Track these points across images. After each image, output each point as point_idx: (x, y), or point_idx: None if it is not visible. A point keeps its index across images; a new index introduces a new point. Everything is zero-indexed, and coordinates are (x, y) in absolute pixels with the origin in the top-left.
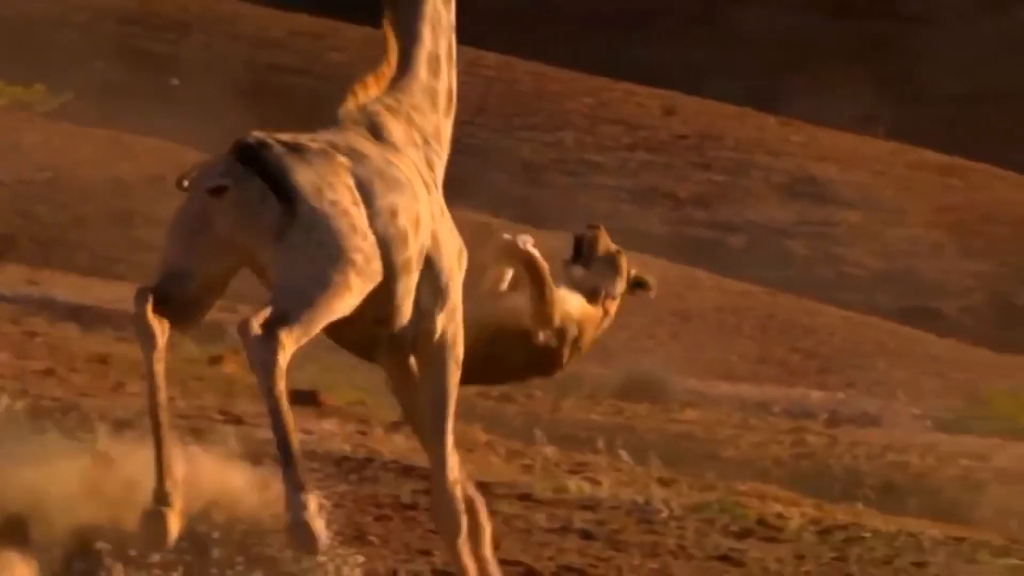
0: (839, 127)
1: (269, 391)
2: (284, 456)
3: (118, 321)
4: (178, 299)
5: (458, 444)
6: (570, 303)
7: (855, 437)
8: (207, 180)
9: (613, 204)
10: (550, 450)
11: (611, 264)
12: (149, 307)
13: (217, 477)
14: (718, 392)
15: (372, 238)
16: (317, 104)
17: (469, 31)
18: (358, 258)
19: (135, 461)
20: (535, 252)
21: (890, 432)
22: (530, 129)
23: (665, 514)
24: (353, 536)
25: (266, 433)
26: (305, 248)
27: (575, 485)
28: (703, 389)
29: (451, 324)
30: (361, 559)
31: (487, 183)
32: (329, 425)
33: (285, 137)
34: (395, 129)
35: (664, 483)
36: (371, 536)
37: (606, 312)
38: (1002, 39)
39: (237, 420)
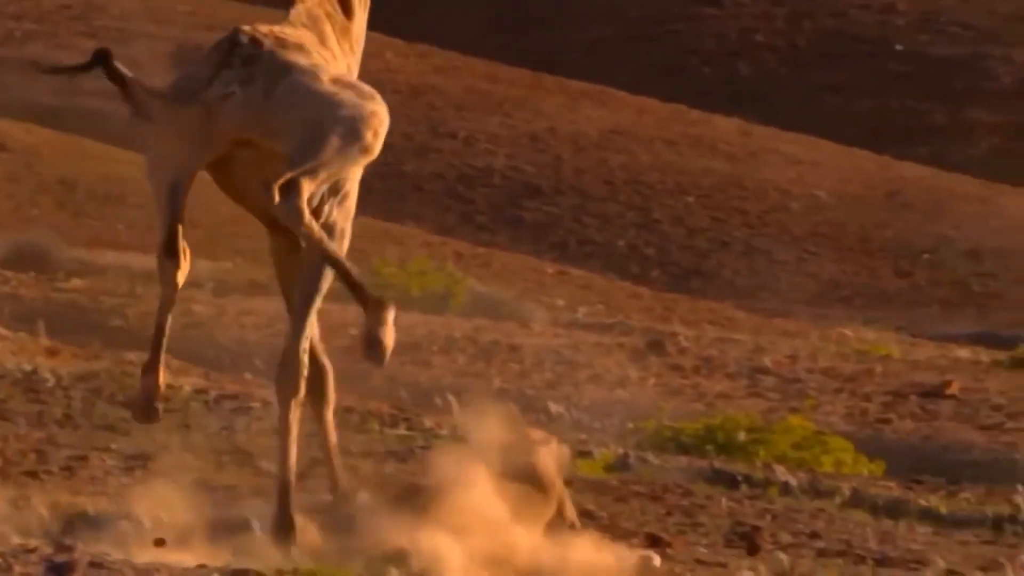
0: None
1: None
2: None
3: None
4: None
5: None
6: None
7: (243, 307)
8: (199, 86)
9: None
10: None
11: None
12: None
13: None
14: (104, 261)
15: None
16: None
17: None
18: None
19: None
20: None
21: (278, 301)
22: None
23: (52, 383)
24: None
25: None
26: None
27: None
28: (89, 258)
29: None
30: None
31: None
32: None
33: (264, 29)
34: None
35: (51, 352)
36: None
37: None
38: None
39: None
